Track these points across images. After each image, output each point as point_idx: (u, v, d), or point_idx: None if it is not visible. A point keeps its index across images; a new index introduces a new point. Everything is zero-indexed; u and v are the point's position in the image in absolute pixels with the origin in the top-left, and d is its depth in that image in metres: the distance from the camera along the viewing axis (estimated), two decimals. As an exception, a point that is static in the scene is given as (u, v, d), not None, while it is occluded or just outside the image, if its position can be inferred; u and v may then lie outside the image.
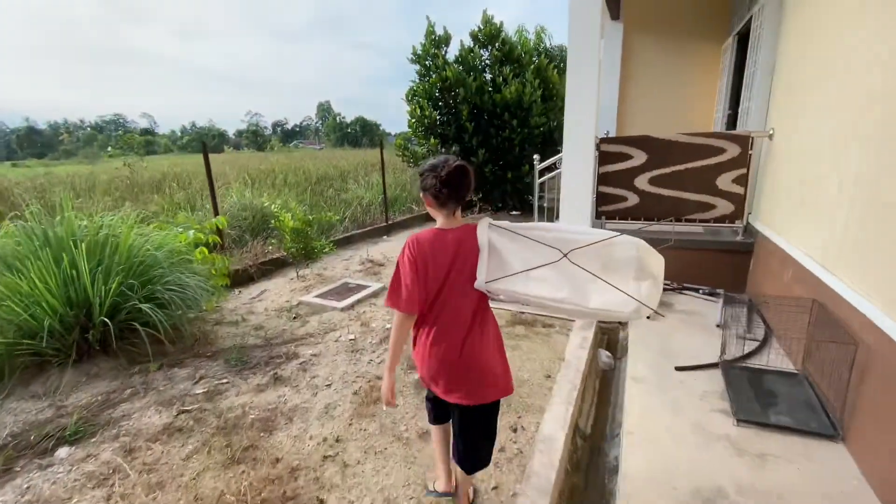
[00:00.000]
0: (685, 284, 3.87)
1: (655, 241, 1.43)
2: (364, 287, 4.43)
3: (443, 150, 8.34)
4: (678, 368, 2.64)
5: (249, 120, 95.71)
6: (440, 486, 1.79)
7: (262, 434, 2.25)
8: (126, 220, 3.47)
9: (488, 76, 8.42)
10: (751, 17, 4.20)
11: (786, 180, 3.17)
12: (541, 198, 5.37)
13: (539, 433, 2.13)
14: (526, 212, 8.45)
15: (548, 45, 10.40)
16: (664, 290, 3.80)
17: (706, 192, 3.84)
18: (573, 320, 3.44)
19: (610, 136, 5.61)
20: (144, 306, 2.95)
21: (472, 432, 1.56)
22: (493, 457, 1.67)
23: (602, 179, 4.13)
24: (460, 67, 8.15)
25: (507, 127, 7.99)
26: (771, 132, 3.52)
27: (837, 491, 1.73)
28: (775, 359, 2.60)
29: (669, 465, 1.91)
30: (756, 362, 2.62)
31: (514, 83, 7.94)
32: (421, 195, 1.48)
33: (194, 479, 1.97)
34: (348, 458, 2.06)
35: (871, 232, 1.94)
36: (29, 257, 2.90)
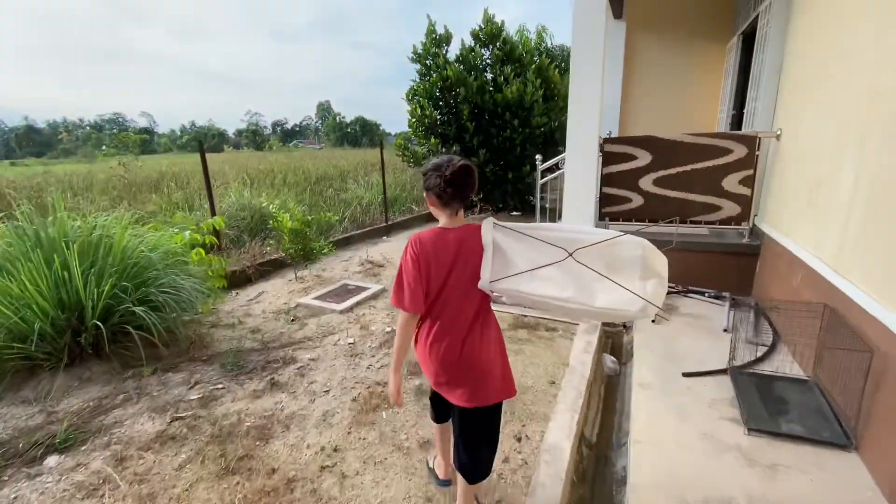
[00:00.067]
0: (690, 287, 3.81)
1: (657, 243, 1.40)
2: (363, 289, 4.37)
3: (443, 149, 8.28)
4: (686, 374, 2.58)
5: (249, 119, 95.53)
6: (440, 471, 1.86)
7: (257, 443, 2.18)
8: (120, 220, 3.40)
9: (489, 76, 8.36)
10: (757, 16, 4.14)
11: (794, 181, 3.11)
12: (542, 198, 5.31)
13: (544, 442, 2.07)
14: (527, 212, 8.40)
15: (549, 44, 10.36)
16: (669, 292, 3.77)
17: (712, 194, 3.77)
18: (577, 324, 3.37)
19: (612, 136, 5.54)
20: (138, 309, 2.88)
21: (472, 435, 1.53)
22: (497, 467, 1.62)
23: (606, 180, 4.07)
24: (461, 67, 8.08)
25: (508, 127, 7.93)
26: (779, 132, 3.46)
27: (851, 502, 1.69)
28: (784, 365, 2.54)
29: (679, 475, 1.86)
30: (765, 368, 2.56)
31: (515, 83, 7.88)
32: (424, 194, 1.47)
33: (187, 490, 1.90)
34: (347, 468, 2.00)
35: (889, 234, 1.87)
36: (20, 258, 2.83)
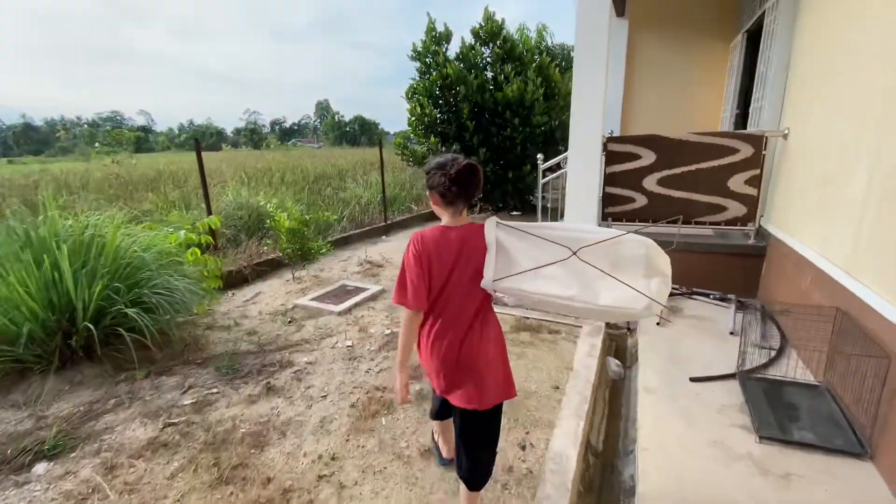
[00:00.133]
0: (694, 289, 3.75)
1: (659, 244, 1.38)
2: (362, 290, 4.29)
3: (443, 148, 8.21)
4: (693, 379, 2.51)
5: (248, 118, 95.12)
6: (443, 450, 1.93)
7: (252, 450, 2.11)
8: (113, 219, 3.32)
9: (489, 74, 8.28)
10: (763, 13, 4.08)
11: (801, 180, 3.05)
12: (543, 198, 5.24)
13: (549, 450, 2.00)
14: (527, 212, 8.33)
15: (549, 43, 10.27)
16: (673, 294, 3.70)
17: (717, 194, 3.71)
18: (580, 326, 3.31)
19: (614, 134, 5.48)
20: (131, 310, 2.80)
21: (472, 436, 1.52)
22: (501, 477, 1.57)
23: (609, 180, 4.00)
24: (461, 65, 8.00)
25: (508, 126, 7.85)
26: (786, 131, 3.39)
27: (868, 513, 1.63)
28: (794, 369, 2.48)
29: (689, 484, 1.80)
30: (774, 373, 2.50)
31: (515, 81, 7.80)
32: (427, 193, 1.45)
33: (178, 500, 1.82)
34: (345, 478, 1.92)
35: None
36: (8, 258, 2.75)
